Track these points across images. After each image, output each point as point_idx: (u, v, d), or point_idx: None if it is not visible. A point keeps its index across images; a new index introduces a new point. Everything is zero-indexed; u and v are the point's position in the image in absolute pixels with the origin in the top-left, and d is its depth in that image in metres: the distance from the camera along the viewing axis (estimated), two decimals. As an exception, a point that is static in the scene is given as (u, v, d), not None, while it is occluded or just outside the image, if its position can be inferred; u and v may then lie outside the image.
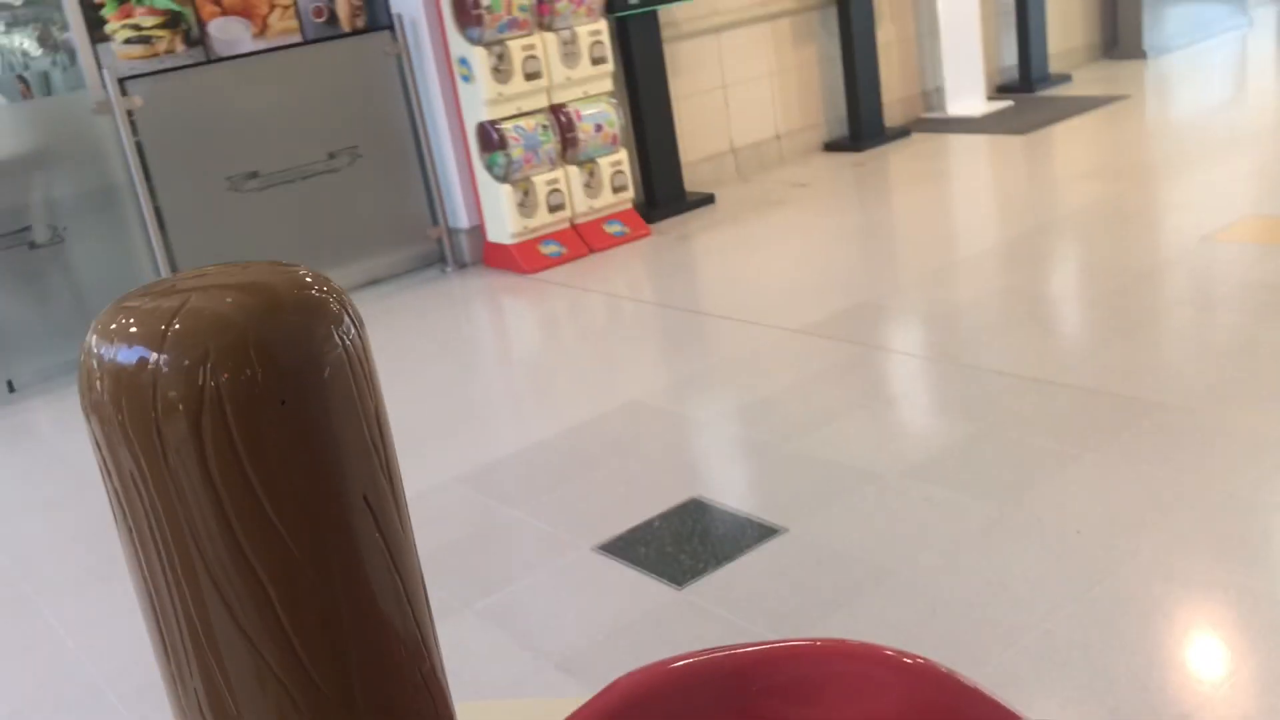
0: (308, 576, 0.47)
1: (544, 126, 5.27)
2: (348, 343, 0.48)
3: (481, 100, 5.13)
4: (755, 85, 6.46)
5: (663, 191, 5.85)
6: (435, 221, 5.58)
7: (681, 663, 0.72)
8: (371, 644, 0.49)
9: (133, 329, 0.45)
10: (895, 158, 6.49)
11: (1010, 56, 7.71)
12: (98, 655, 2.68)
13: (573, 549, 2.81)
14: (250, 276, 0.48)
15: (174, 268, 4.89)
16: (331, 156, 5.27)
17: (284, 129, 5.15)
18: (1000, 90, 7.63)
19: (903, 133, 6.85)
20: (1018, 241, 4.72)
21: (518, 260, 5.30)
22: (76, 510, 3.53)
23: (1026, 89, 7.51)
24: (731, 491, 2.98)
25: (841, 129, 6.85)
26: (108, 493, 0.48)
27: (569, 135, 5.34)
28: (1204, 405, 3.00)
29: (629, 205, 5.62)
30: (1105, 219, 4.81)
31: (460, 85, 5.24)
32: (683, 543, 2.74)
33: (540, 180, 5.31)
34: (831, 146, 6.79)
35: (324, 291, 0.49)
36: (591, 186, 5.46)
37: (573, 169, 5.41)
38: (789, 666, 0.73)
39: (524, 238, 5.32)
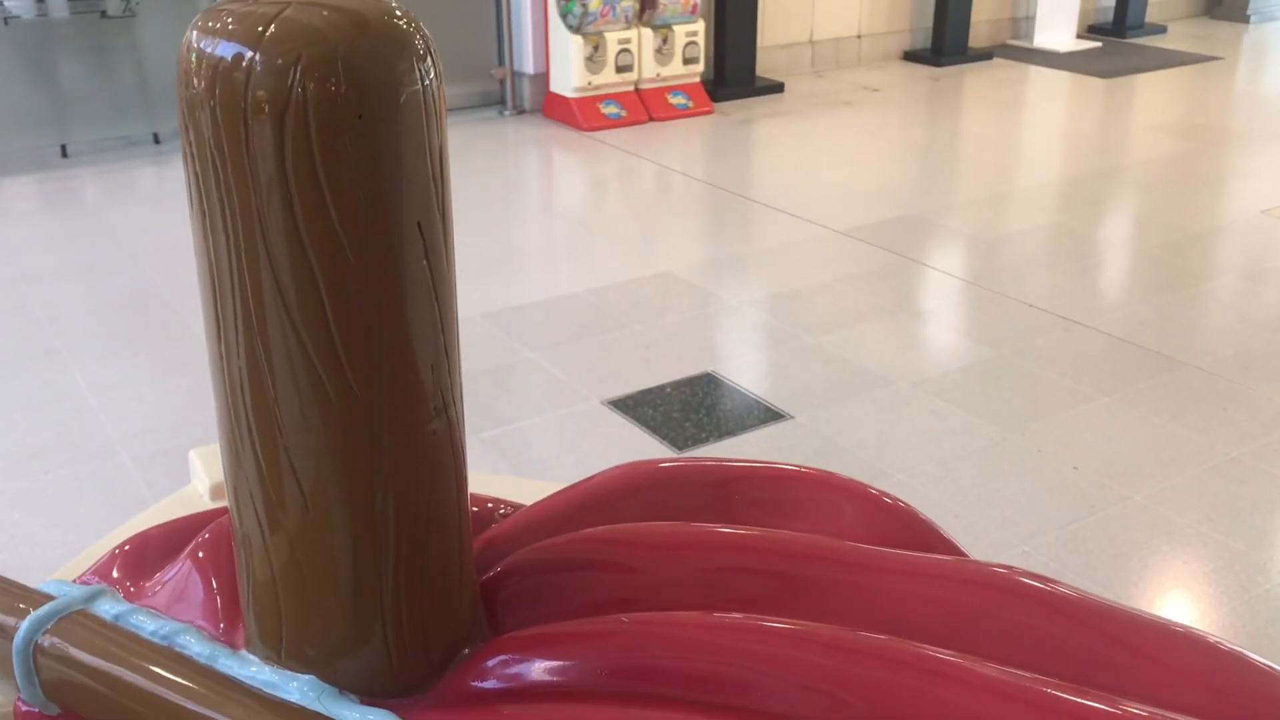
0: (356, 281, 0.51)
1: (626, -16, 5.19)
2: (427, 80, 0.52)
3: (569, -54, 5.05)
4: (846, -20, 6.32)
5: (733, 72, 5.77)
6: (501, 62, 5.54)
7: (670, 463, 0.77)
8: (403, 359, 0.54)
9: (232, 27, 0.49)
10: (973, 79, 6.37)
11: (1110, -3, 7.49)
12: (117, 417, 2.78)
13: (584, 400, 2.88)
14: None
15: (239, 62, 4.89)
16: (410, -22, 5.21)
17: (367, -59, 5.09)
18: (1091, 30, 7.43)
19: (985, 55, 6.71)
20: (1078, 182, 4.67)
21: (577, 115, 5.27)
22: (114, 279, 3.62)
23: (1119, 33, 7.31)
24: (746, 373, 3.03)
25: (924, 40, 6.71)
26: (187, 177, 0.52)
27: (650, -3, 5.26)
28: (1227, 371, 3.01)
29: (697, 79, 5.56)
30: (1170, 175, 4.74)
31: (550, -73, 5.15)
32: (690, 411, 2.80)
33: (612, 37, 5.25)
34: (911, 56, 6.66)
35: (413, 28, 0.52)
36: (663, 53, 5.40)
37: (647, 32, 5.34)
38: (772, 485, 0.78)
39: (587, 94, 5.28)
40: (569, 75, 5.26)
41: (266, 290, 0.51)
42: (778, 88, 5.90)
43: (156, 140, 5.03)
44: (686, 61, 5.47)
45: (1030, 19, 7.06)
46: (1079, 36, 7.20)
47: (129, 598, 0.67)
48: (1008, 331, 3.26)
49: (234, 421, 0.56)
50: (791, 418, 2.76)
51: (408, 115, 0.51)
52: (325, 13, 0.49)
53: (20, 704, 0.65)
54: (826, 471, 0.80)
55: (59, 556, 2.25)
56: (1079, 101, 6.06)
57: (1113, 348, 3.15)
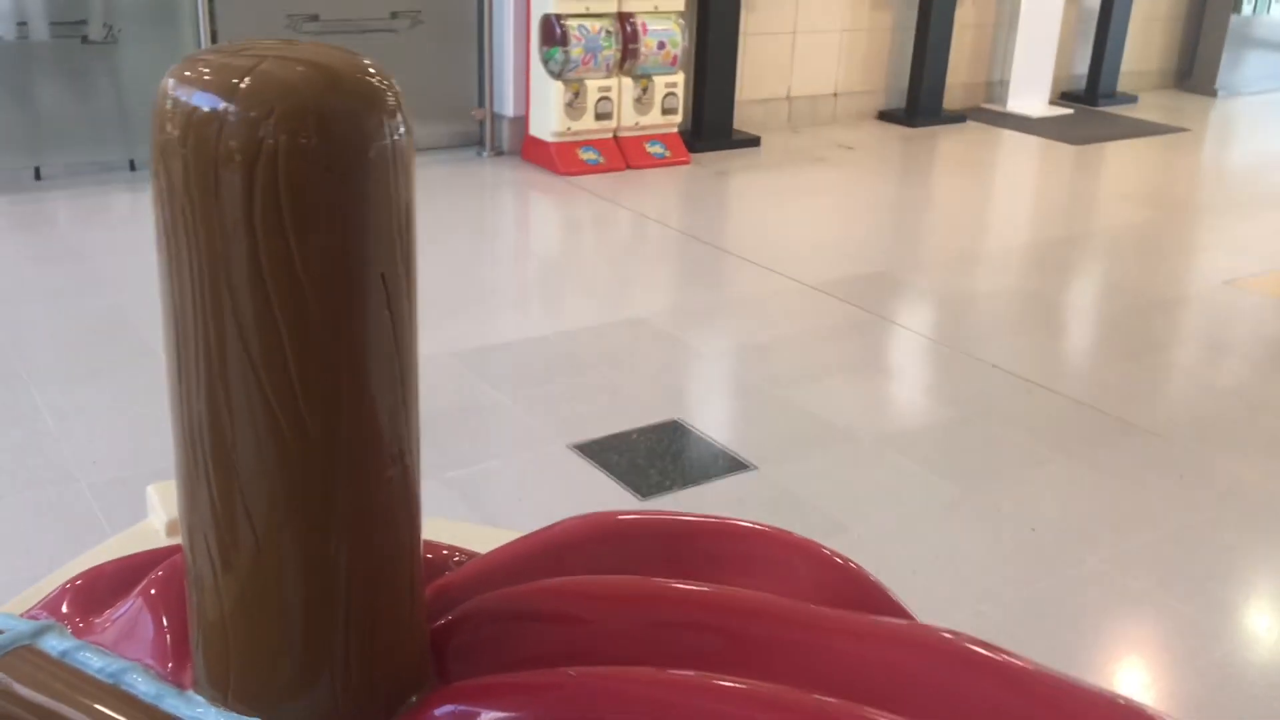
0: (318, 329, 0.52)
1: (608, 32, 5.25)
2: (396, 135, 0.53)
3: (553, -7, 5.11)
4: (824, 38, 6.42)
5: (711, 124, 5.84)
6: (481, 103, 5.58)
7: (628, 515, 0.78)
8: (362, 406, 0.55)
9: (208, 77, 0.50)
10: (946, 140, 6.47)
11: (1082, 65, 7.65)
12: (76, 443, 2.76)
13: (548, 442, 2.88)
14: (319, 54, 0.52)
15: (219, 93, 4.90)
16: (394, 16, 5.26)
17: (354, -21, 5.14)
18: (1064, 97, 7.57)
19: (958, 118, 6.82)
20: (1046, 246, 4.74)
21: (555, 160, 5.31)
22: (83, 303, 3.60)
23: (1091, 101, 7.46)
24: (712, 422, 3.05)
25: (899, 100, 6.81)
26: (156, 220, 0.53)
27: (631, 46, 5.32)
28: (1186, 439, 3.05)
29: (674, 130, 5.62)
30: (1136, 243, 4.83)
31: (535, -26, 5.21)
32: (655, 459, 2.81)
33: (593, 84, 5.30)
34: (886, 116, 6.76)
35: (384, 85, 0.54)
36: (642, 102, 5.46)
37: (627, 81, 5.40)
38: (728, 541, 0.79)
39: (565, 139, 5.33)
40: (548, 120, 5.30)
41: (229, 335, 0.52)
42: (754, 141, 5.97)
43: (132, 167, 5.03)
44: (665, 112, 5.53)
45: (1004, 84, 7.19)
46: (1052, 103, 7.33)
47: (78, 634, 0.67)
48: (971, 391, 3.29)
49: (191, 462, 0.56)
50: (755, 468, 2.77)
51: (376, 169, 0.53)
52: (300, 68, 0.51)
53: (-40, 738, 0.65)
54: (781, 529, 0.81)
55: (9, 584, 2.22)
56: (1049, 167, 6.16)
57: (1075, 411, 3.19)
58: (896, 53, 6.72)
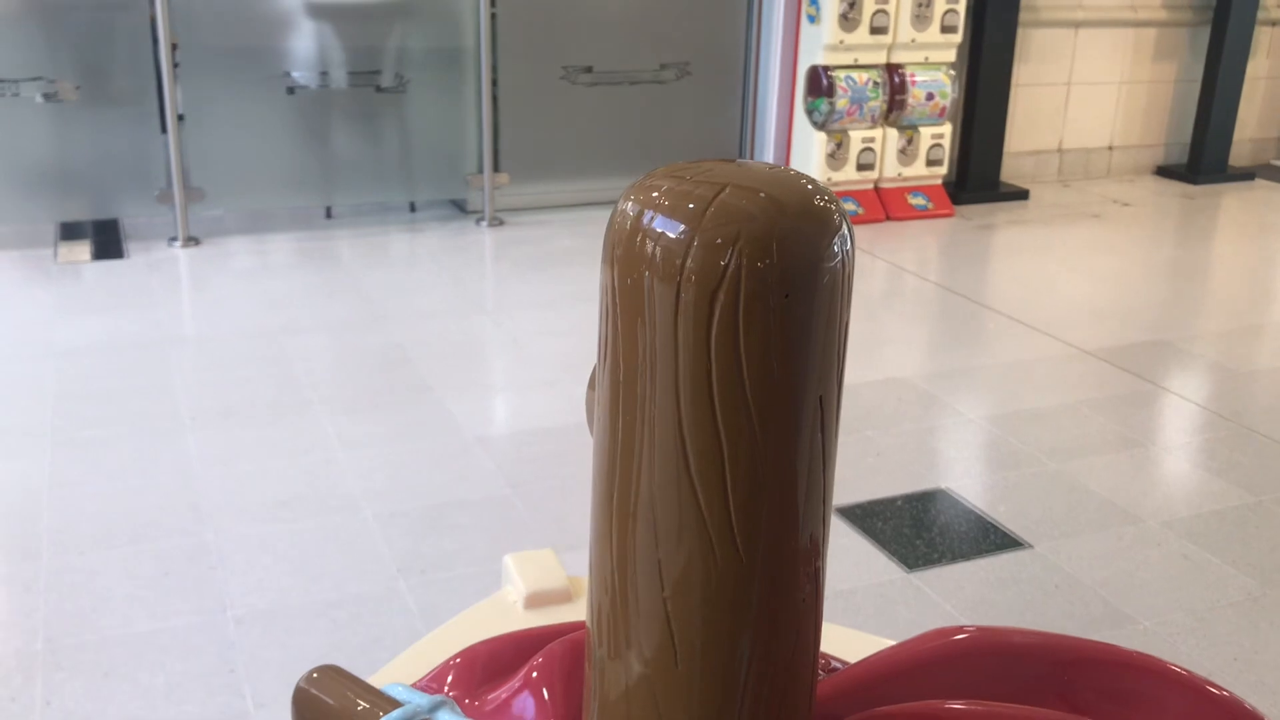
0: (757, 450, 0.52)
1: (875, 83, 5.21)
2: (844, 254, 0.52)
3: (821, 44, 5.11)
4: (1101, 90, 6.16)
5: (977, 176, 5.69)
6: (741, 153, 5.63)
7: (1014, 634, 0.74)
8: (788, 527, 0.55)
9: (669, 204, 0.51)
10: (1231, 199, 6.07)
11: (1390, 121, 7.03)
12: (361, 473, 2.92)
13: (811, 502, 2.84)
14: (772, 179, 0.53)
15: (496, 141, 5.14)
16: (662, 68, 5.38)
17: (628, 32, 5.30)
18: (1368, 154, 6.98)
19: (1246, 175, 6.39)
20: (1349, 319, 4.36)
21: (814, 210, 5.29)
22: (366, 338, 3.82)
23: (1400, 160, 6.84)
24: (982, 493, 2.94)
25: (1180, 156, 6.45)
26: (604, 330, 0.54)
27: (898, 97, 5.26)
28: None
29: (939, 181, 5.51)
30: None
31: (804, 24, 5.23)
32: (922, 529, 2.73)
33: (856, 135, 5.26)
34: (1164, 172, 6.41)
35: (830, 203, 0.53)
36: (906, 154, 5.38)
37: (892, 132, 5.34)
38: (1112, 671, 0.75)
39: (826, 190, 5.29)
40: (809, 170, 5.29)
41: (671, 453, 0.52)
42: (1022, 194, 5.78)
43: (412, 208, 5.33)
44: (930, 163, 5.43)
45: (1298, 139, 6.70)
46: (1352, 160, 6.78)
47: (466, 711, 0.69)
48: (1268, 476, 3.04)
49: (615, 569, 0.57)
50: (1030, 546, 2.65)
51: (827, 291, 0.52)
52: (763, 193, 0.51)
53: (358, 803, 0.68)
54: (1163, 661, 0.76)
55: (302, 605, 2.36)
56: (1351, 230, 5.68)
57: (1391, 506, 2.90)
58: (1179, 105, 6.37)
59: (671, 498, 0.54)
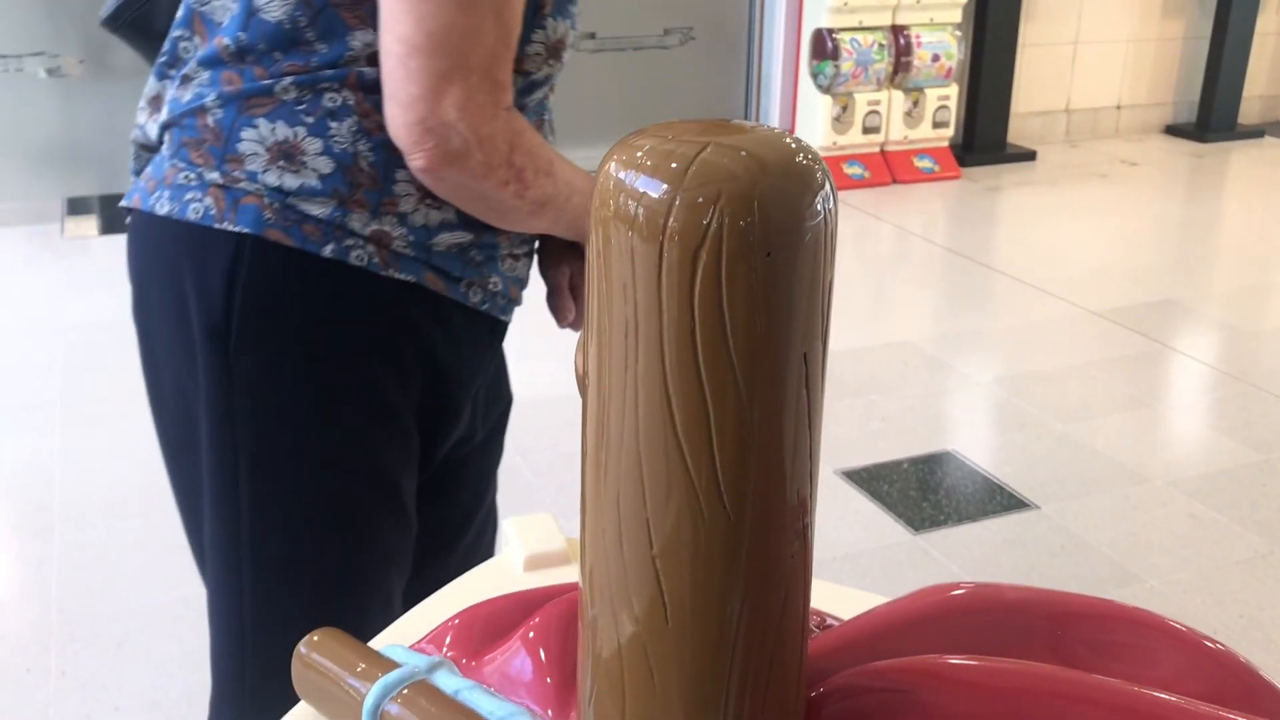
0: (742, 407, 0.52)
1: (880, 45, 5.17)
2: (826, 212, 0.53)
3: (826, 6, 5.07)
4: (1109, 49, 6.10)
5: (983, 137, 5.66)
6: (746, 115, 5.60)
7: (1010, 589, 0.75)
8: (775, 484, 0.55)
9: (651, 163, 0.51)
10: (1240, 157, 6.03)
11: (1403, 75, 6.96)
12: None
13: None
14: (754, 138, 0.53)
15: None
16: (666, 33, 5.35)
17: (630, -2, 5.26)
18: (1380, 110, 6.92)
19: (1256, 133, 6.34)
20: (1359, 276, 4.34)
21: (820, 174, 5.27)
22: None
23: None
24: (988, 454, 2.94)
25: (1189, 114, 6.40)
26: (590, 291, 0.54)
27: (903, 59, 5.22)
28: None
29: (945, 144, 5.47)
30: None
31: (808, -12, 5.20)
32: (928, 491, 2.73)
33: (862, 98, 5.23)
34: (1173, 131, 6.37)
35: (813, 162, 0.53)
36: (912, 116, 5.34)
37: (898, 94, 5.30)
38: (1105, 625, 0.75)
39: (831, 153, 5.28)
40: (815, 134, 5.27)
41: (657, 412, 0.53)
42: (1029, 156, 5.75)
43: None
44: (936, 125, 5.39)
45: (1309, 95, 6.64)
46: (1364, 116, 6.72)
47: (464, 672, 0.70)
48: (1276, 435, 3.04)
49: (602, 527, 0.57)
50: (1036, 507, 2.65)
51: (808, 249, 0.52)
52: (743, 152, 0.51)
53: (359, 762, 0.69)
54: (1156, 614, 0.76)
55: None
56: (1362, 187, 5.65)
57: (1399, 463, 2.90)
58: (1187, 63, 6.31)
59: (658, 457, 0.54)
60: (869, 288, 4.26)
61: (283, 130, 1.04)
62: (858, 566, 2.43)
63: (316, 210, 1.05)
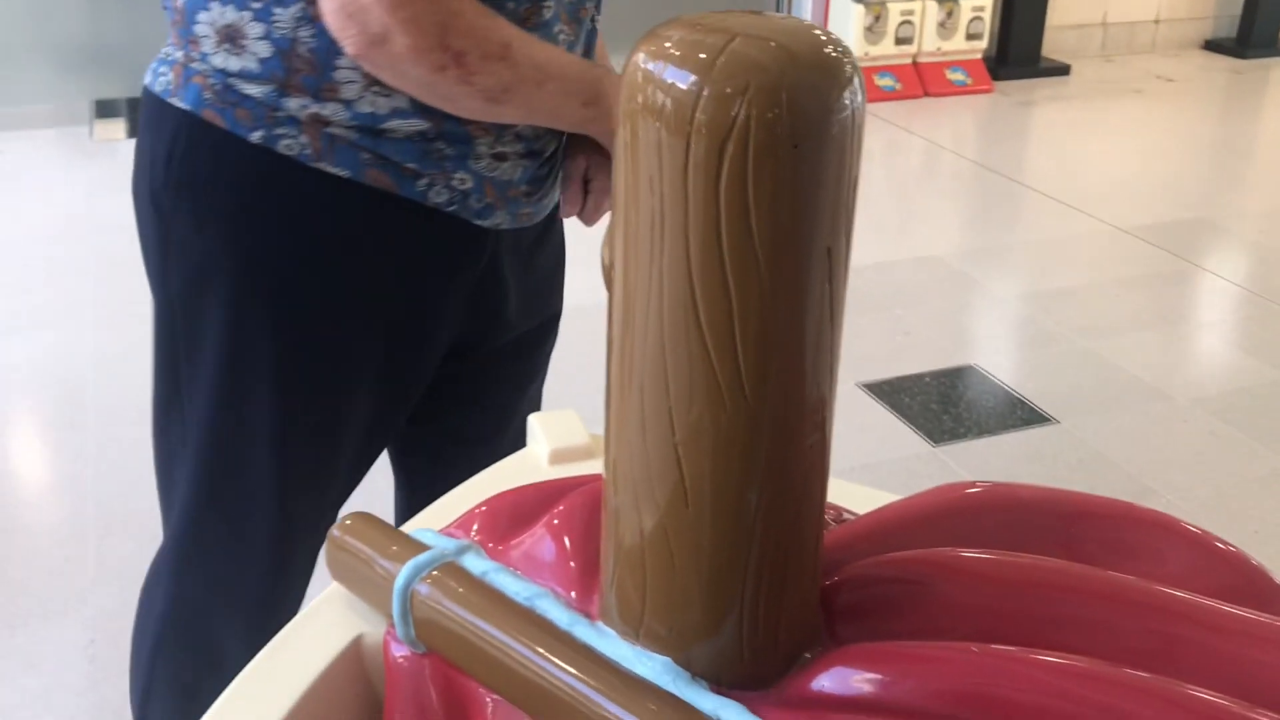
0: (765, 300, 0.53)
1: (915, -46, 5.06)
2: (854, 106, 0.53)
3: (860, -87, 4.96)
4: (1150, -40, 5.95)
5: (1017, 51, 5.55)
6: (778, 27, 5.52)
7: (1027, 492, 0.77)
8: (796, 375, 0.56)
9: (679, 54, 0.52)
10: (1281, 74, 5.91)
11: None
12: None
13: (839, 381, 2.87)
14: (783, 29, 0.53)
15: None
16: (697, -62, 5.24)
17: (659, -100, 5.15)
18: None
19: (1298, 48, 6.20)
20: (1396, 197, 4.27)
21: (850, 86, 5.20)
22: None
23: None
24: (1010, 370, 2.95)
25: (1229, 29, 6.25)
26: (618, 188, 0.55)
27: (938, -31, 5.11)
28: None
29: (978, 56, 5.38)
30: None
31: (843, -108, 5.07)
32: (949, 404, 2.75)
33: (895, 8, 5.14)
34: (1212, 46, 6.23)
35: (843, 54, 0.54)
36: (946, 27, 5.25)
37: (931, 4, 5.20)
38: (1118, 525, 0.77)
39: (863, 64, 5.19)
40: (847, 45, 5.18)
41: (682, 303, 0.54)
42: (1063, 70, 5.64)
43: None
44: (970, 37, 5.30)
45: (1356, 11, 6.46)
46: None
47: (492, 555, 0.73)
48: (1302, 354, 3.03)
49: (626, 416, 0.59)
50: (1057, 422, 2.67)
51: (836, 143, 0.53)
52: (773, 43, 0.51)
53: (390, 637, 0.72)
54: (1168, 515, 0.78)
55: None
56: (1405, 106, 5.53)
57: None
58: (1231, -25, 6.15)
59: (682, 348, 0.56)
60: (897, 201, 4.23)
61: (231, 14, 1.06)
62: (875, 477, 2.45)
63: (253, 91, 1.07)
